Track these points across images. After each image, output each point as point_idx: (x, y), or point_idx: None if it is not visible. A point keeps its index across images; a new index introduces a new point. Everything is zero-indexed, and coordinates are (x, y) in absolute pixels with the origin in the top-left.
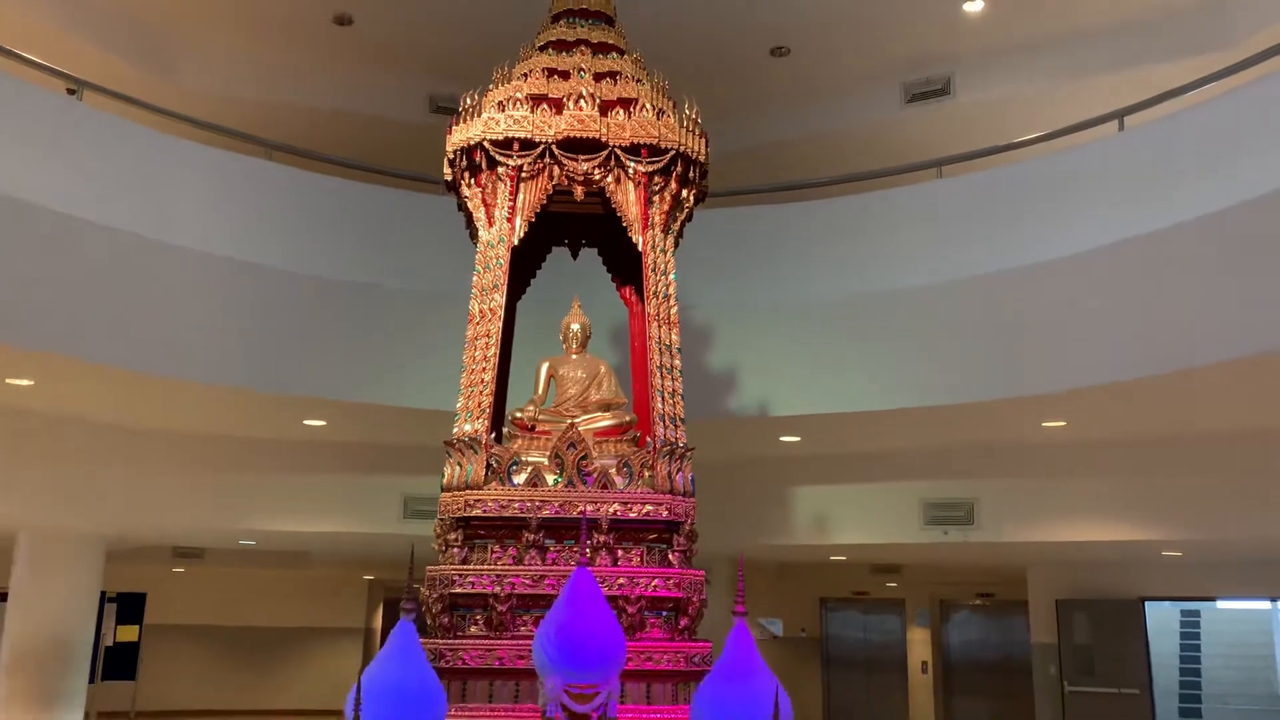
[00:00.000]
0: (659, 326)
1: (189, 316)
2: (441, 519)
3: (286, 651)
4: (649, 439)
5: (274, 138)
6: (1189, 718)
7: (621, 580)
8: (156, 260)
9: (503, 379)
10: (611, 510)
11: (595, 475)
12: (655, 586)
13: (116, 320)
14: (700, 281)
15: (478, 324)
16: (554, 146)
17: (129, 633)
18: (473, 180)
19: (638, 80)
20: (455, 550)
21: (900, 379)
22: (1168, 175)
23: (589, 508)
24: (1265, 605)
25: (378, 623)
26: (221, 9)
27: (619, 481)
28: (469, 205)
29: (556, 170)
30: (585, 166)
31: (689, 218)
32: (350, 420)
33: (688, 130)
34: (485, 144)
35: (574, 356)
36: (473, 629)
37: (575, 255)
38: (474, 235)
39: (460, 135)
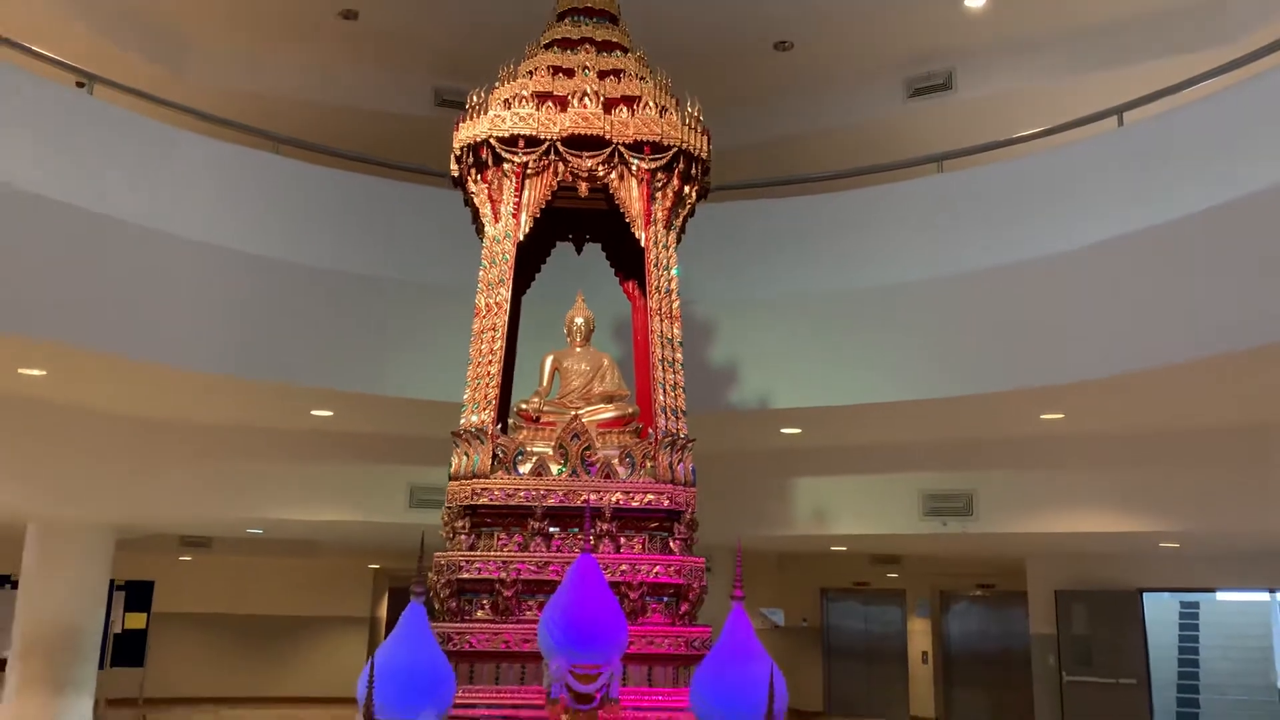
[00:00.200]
0: (661, 321)
1: (198, 308)
2: (449, 507)
3: (292, 640)
4: (651, 430)
5: (280, 131)
6: (1187, 708)
7: (624, 567)
8: (166, 253)
9: (508, 371)
10: (614, 499)
11: (599, 465)
12: (657, 573)
13: (126, 311)
14: (702, 275)
15: (484, 318)
16: (559, 143)
17: (137, 620)
18: (479, 176)
19: (641, 78)
20: (463, 537)
21: (900, 372)
22: (1167, 171)
23: (592, 497)
24: (1263, 597)
25: (383, 611)
26: (228, 4)
27: (621, 471)
28: (475, 201)
29: (561, 167)
30: (589, 163)
31: (691, 213)
32: (357, 411)
33: (690, 127)
34: (491, 141)
35: (578, 350)
36: (479, 613)
37: (579, 250)
38: (480, 230)
39: (467, 132)
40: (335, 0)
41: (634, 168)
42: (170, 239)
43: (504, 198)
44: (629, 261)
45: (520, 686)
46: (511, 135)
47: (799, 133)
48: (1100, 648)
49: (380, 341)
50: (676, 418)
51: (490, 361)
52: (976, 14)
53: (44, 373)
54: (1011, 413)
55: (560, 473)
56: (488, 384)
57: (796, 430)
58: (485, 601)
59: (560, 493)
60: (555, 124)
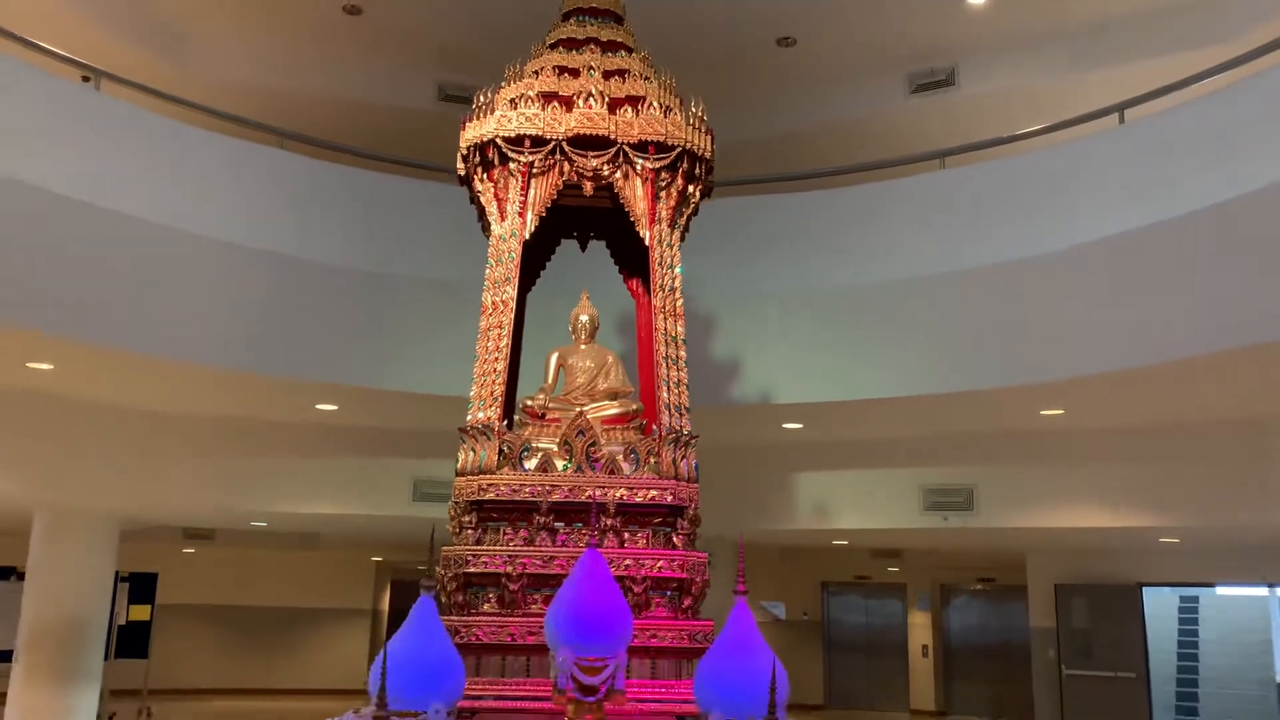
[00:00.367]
0: (665, 319)
1: (203, 302)
2: (456, 502)
3: (295, 631)
4: (655, 427)
5: (284, 125)
6: (1186, 702)
7: (628, 561)
8: (171, 247)
9: (513, 368)
10: (618, 495)
11: (603, 461)
12: (660, 567)
13: (132, 306)
14: (704, 271)
15: (490, 315)
16: (564, 143)
17: (141, 612)
18: (485, 175)
19: (645, 78)
20: (469, 532)
21: (901, 367)
22: (1168, 168)
23: (597, 492)
24: (1262, 591)
25: (385, 604)
26: None
27: (626, 467)
28: (481, 200)
29: (567, 166)
30: (594, 163)
31: (695, 212)
32: (361, 405)
33: (694, 127)
34: (498, 140)
35: (583, 347)
36: (486, 606)
37: (583, 248)
38: (486, 229)
39: (473, 131)
40: None
41: (638, 167)
42: (176, 234)
43: (510, 197)
44: (633, 259)
45: (526, 678)
46: (517, 135)
47: (802, 128)
48: (1100, 642)
49: (384, 336)
50: (680, 414)
51: (496, 359)
52: (979, 10)
53: (51, 367)
54: (1012, 408)
55: (565, 468)
56: (494, 381)
57: (798, 425)
58: (491, 595)
59: (565, 488)
60: (561, 124)
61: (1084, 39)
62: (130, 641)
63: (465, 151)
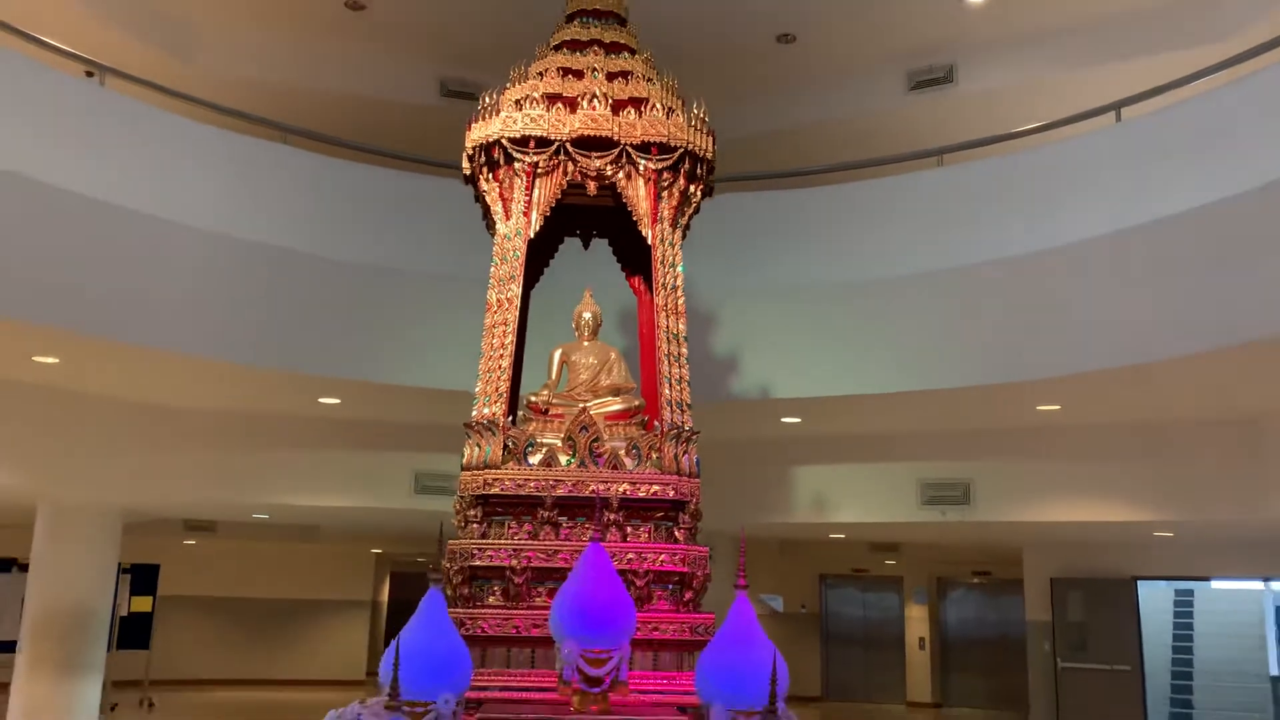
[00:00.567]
0: (667, 316)
1: (207, 297)
2: (461, 496)
3: (295, 623)
4: (657, 423)
5: (287, 121)
6: (1180, 694)
7: (631, 555)
8: (175, 241)
9: (517, 364)
10: (621, 490)
11: (606, 457)
12: (662, 561)
13: (136, 300)
14: (704, 266)
15: (495, 313)
16: (569, 144)
17: (142, 603)
18: (490, 175)
19: (648, 79)
20: (475, 526)
21: (900, 363)
22: (1163, 167)
23: (600, 487)
24: (1257, 585)
25: (384, 595)
26: None
27: (628, 463)
28: (487, 199)
29: (571, 166)
30: (598, 163)
31: (696, 211)
32: (363, 398)
33: (696, 129)
34: (503, 141)
35: (585, 343)
36: (491, 599)
37: (586, 245)
38: (490, 227)
39: (479, 132)
40: None
41: (641, 168)
42: (180, 228)
43: (515, 196)
44: (634, 257)
45: (530, 670)
46: (523, 136)
47: (801, 125)
48: (1095, 635)
49: (386, 330)
50: (681, 411)
51: (501, 356)
52: (977, 8)
53: (56, 360)
54: (1009, 404)
55: (569, 464)
56: (499, 377)
57: (797, 419)
58: (496, 588)
59: (569, 483)
60: (565, 125)
61: (1081, 37)
62: (132, 633)
63: (471, 151)
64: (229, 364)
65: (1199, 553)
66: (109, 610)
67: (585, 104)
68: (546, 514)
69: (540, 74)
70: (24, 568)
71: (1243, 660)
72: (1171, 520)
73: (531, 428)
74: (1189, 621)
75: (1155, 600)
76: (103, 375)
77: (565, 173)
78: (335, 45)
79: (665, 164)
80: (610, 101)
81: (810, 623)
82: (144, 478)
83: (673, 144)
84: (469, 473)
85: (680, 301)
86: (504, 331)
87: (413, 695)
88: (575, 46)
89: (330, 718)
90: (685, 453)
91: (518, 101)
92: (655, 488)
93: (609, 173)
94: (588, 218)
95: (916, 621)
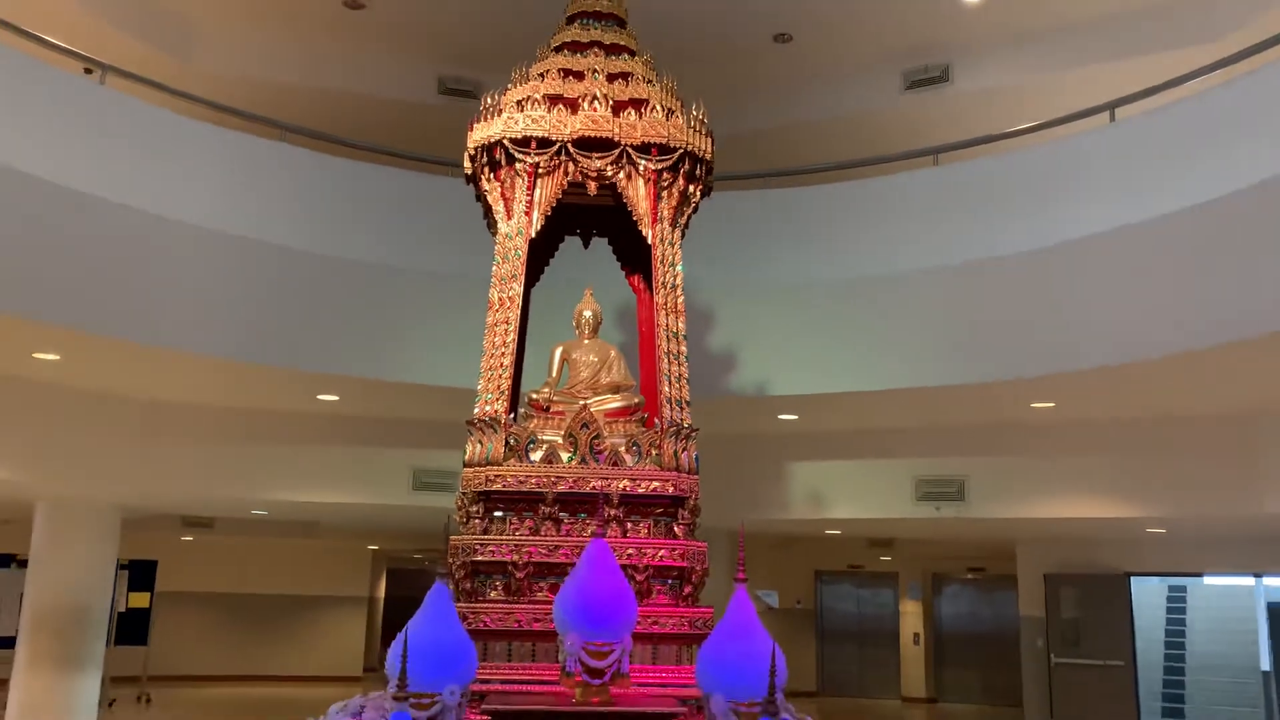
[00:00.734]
0: (666, 315)
1: (206, 294)
2: (464, 493)
3: (292, 619)
4: (656, 420)
5: (286, 118)
6: (1173, 689)
7: (631, 550)
8: (175, 239)
9: (518, 362)
10: (621, 486)
11: (606, 453)
12: (662, 556)
13: (137, 297)
14: (702, 264)
15: (497, 311)
16: (570, 145)
17: (140, 599)
18: (492, 175)
19: (648, 81)
20: (477, 522)
21: (895, 360)
22: (1156, 166)
23: (601, 484)
24: (1248, 581)
25: (381, 591)
26: None
27: (628, 459)
28: (488, 198)
29: (571, 167)
30: (599, 164)
31: (695, 211)
32: (362, 395)
33: (695, 130)
34: (505, 141)
35: (586, 341)
36: (493, 594)
37: (586, 244)
38: (491, 226)
39: (481, 133)
40: None
41: (641, 168)
42: (180, 226)
43: (516, 196)
44: (634, 256)
45: (531, 663)
46: (524, 137)
47: (797, 123)
48: (1088, 630)
49: (385, 327)
50: (681, 408)
51: (503, 354)
52: (973, 8)
53: (57, 357)
54: (1003, 401)
55: (570, 460)
56: (501, 375)
57: (793, 416)
58: (498, 583)
59: (570, 480)
60: (566, 126)
61: (1075, 38)
62: (130, 628)
63: (473, 152)
64: (228, 360)
65: (1191, 549)
66: (108, 606)
67: (586, 105)
68: (548, 510)
69: (541, 75)
70: (23, 564)
71: (1234, 655)
72: (1164, 516)
73: (533, 425)
74: (1181, 617)
75: (1148, 596)
76: (103, 372)
77: (566, 173)
78: (334, 44)
79: (665, 165)
80: (611, 103)
81: (806, 618)
82: (143, 474)
83: (672, 145)
84: (471, 469)
85: (680, 300)
86: (505, 330)
87: (419, 687)
88: (576, 48)
89: (334, 710)
90: (685, 449)
91: (519, 103)
92: (655, 484)
93: (609, 173)
94: (588, 217)
95: (911, 617)
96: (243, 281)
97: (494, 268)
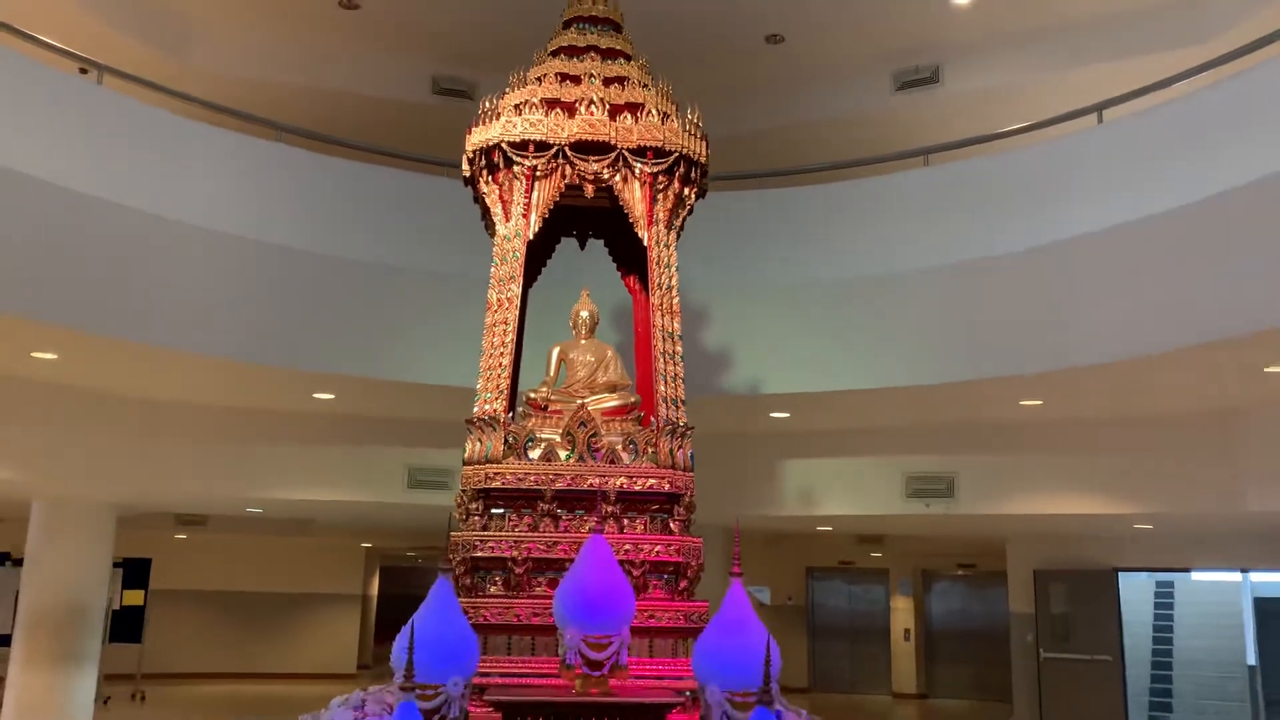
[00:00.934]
0: (662, 315)
1: (203, 293)
2: (464, 490)
3: (286, 616)
4: (652, 418)
5: (281, 118)
6: (1160, 684)
7: (628, 546)
8: (172, 239)
9: (516, 362)
10: (618, 483)
11: (604, 451)
12: (658, 552)
13: (134, 296)
14: (698, 263)
15: (495, 312)
16: (567, 148)
17: (135, 597)
18: (491, 178)
19: (644, 85)
20: (476, 518)
21: (885, 359)
22: (1145, 167)
23: (598, 481)
24: (1235, 576)
25: (374, 589)
26: None
27: (625, 457)
28: (486, 201)
29: (569, 170)
30: (595, 167)
31: (690, 213)
32: (357, 394)
33: (690, 133)
34: (503, 145)
35: (583, 341)
36: (492, 589)
37: (583, 246)
38: (489, 228)
39: (479, 136)
40: None
41: (637, 171)
42: (178, 226)
43: (514, 198)
44: (630, 257)
45: (530, 657)
46: (522, 140)
47: (789, 124)
48: (1077, 626)
49: (380, 326)
50: (676, 407)
51: (502, 354)
52: (963, 10)
53: (55, 356)
54: (993, 399)
55: (568, 458)
56: (500, 374)
57: (785, 414)
58: (498, 578)
59: (568, 477)
60: (564, 130)
61: (1065, 39)
62: (124, 626)
63: (471, 155)
64: (224, 359)
65: (1179, 545)
66: (103, 604)
67: (583, 109)
68: (546, 507)
69: (539, 79)
70: (18, 562)
71: (1221, 650)
72: (1151, 513)
73: (531, 423)
74: (1169, 612)
75: (1136, 591)
76: (100, 371)
77: (563, 176)
78: (330, 44)
79: (660, 168)
80: (607, 107)
81: (797, 614)
82: (139, 472)
83: (668, 148)
84: (470, 467)
85: (675, 300)
86: (504, 330)
87: (424, 679)
88: (572, 52)
89: (335, 704)
90: (680, 447)
91: (517, 106)
92: (651, 481)
93: (606, 176)
94: (585, 219)
95: (902, 613)
96: (238, 280)
97: (492, 269)
